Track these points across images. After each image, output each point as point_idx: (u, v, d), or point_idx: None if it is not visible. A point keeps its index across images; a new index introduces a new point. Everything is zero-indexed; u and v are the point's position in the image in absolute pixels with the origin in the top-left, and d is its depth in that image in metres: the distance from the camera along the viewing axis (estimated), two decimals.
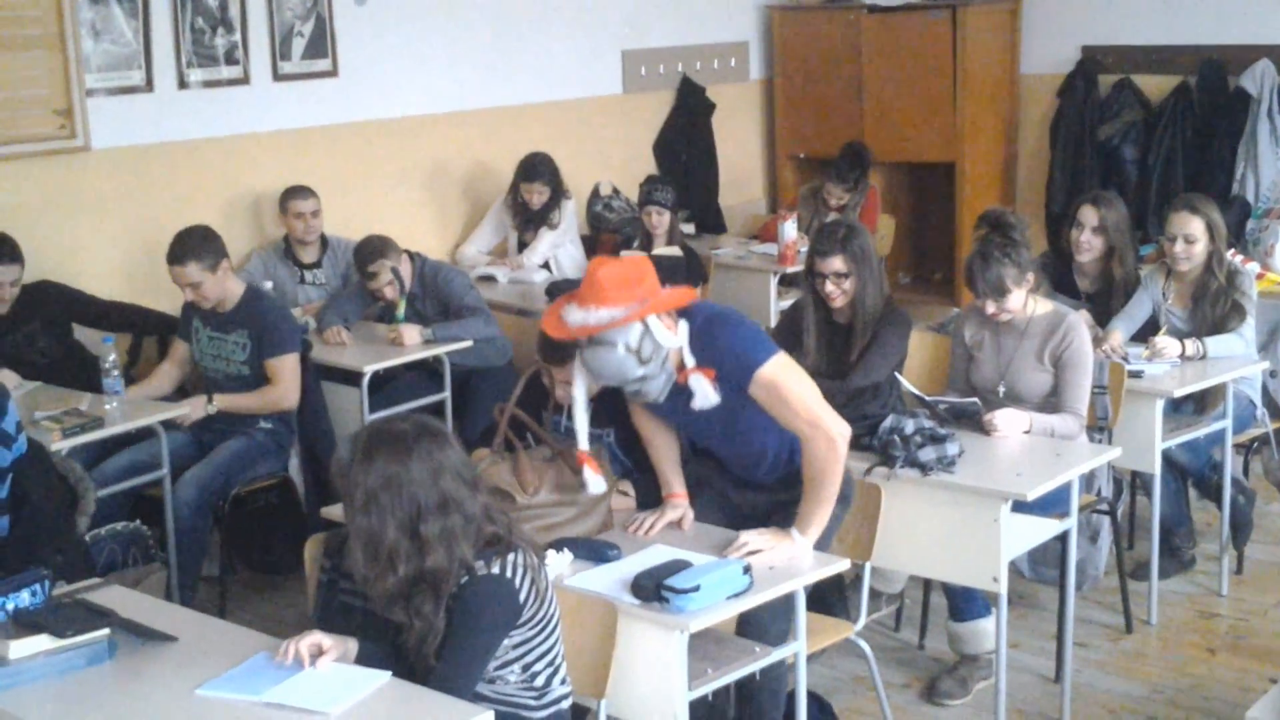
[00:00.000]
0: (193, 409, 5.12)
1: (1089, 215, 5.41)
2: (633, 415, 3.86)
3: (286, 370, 5.22)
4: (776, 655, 3.55)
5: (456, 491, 2.96)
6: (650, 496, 3.92)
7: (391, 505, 2.91)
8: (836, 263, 4.50)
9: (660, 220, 6.99)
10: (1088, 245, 5.43)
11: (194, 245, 5.11)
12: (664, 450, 3.84)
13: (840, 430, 3.56)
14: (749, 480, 3.83)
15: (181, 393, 5.41)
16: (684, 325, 3.51)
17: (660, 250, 6.94)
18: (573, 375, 4.03)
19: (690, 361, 3.50)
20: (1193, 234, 5.17)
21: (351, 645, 3.02)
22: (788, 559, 3.50)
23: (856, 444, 3.91)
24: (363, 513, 2.93)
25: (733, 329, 3.56)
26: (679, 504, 3.77)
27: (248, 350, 5.19)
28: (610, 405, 4.08)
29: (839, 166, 7.69)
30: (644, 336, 3.41)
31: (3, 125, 5.60)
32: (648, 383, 3.47)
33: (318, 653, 2.94)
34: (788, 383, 3.53)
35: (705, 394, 3.47)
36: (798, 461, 3.63)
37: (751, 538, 3.55)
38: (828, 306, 4.61)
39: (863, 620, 3.98)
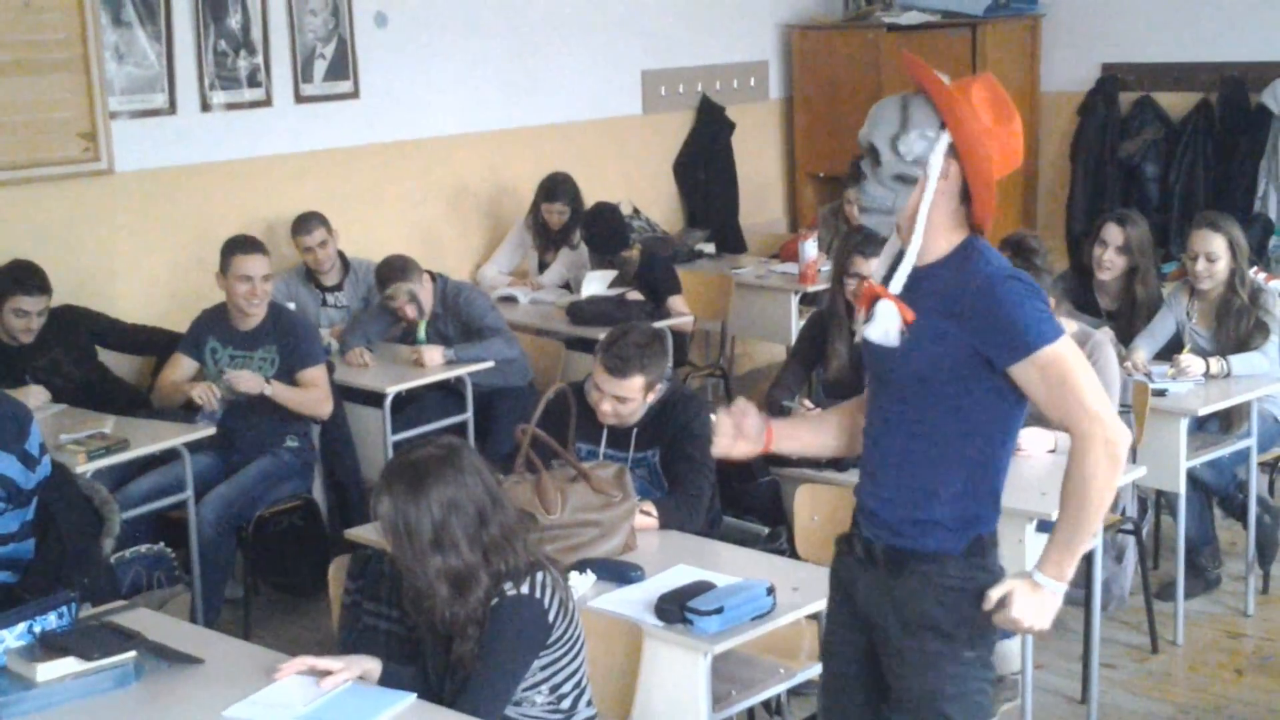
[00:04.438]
0: (249, 383, 5.12)
1: (1113, 234, 5.40)
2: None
3: (322, 379, 5.29)
4: (802, 676, 3.54)
5: (495, 488, 2.99)
6: (677, 518, 3.92)
7: (461, 525, 2.91)
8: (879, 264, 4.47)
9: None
10: (1110, 264, 5.42)
11: (263, 244, 5.30)
12: (824, 416, 3.12)
13: (1123, 435, 2.67)
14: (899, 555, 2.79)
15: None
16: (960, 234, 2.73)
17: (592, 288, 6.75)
18: (625, 392, 4.00)
19: (899, 279, 2.69)
20: (1214, 252, 5.16)
21: (374, 666, 3.02)
22: (1036, 620, 2.70)
23: None
24: (435, 549, 2.90)
25: (1024, 288, 2.67)
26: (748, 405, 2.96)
27: (275, 365, 5.22)
28: (657, 427, 4.07)
29: (859, 173, 7.64)
30: (922, 134, 2.67)
31: (27, 148, 5.64)
32: (873, 184, 2.72)
33: (317, 673, 2.95)
34: (1074, 362, 2.66)
35: (886, 328, 2.68)
36: (974, 530, 2.76)
37: (1005, 605, 2.70)
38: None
39: None
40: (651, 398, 4.07)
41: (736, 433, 2.92)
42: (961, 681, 2.78)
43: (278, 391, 5.18)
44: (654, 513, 3.91)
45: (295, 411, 5.25)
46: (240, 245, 5.25)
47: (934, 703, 2.78)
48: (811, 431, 3.08)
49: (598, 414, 4.06)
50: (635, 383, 4.00)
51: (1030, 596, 2.69)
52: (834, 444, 3.06)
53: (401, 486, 2.92)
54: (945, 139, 2.67)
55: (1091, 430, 2.64)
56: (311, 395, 5.27)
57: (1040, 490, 4.03)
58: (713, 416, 2.93)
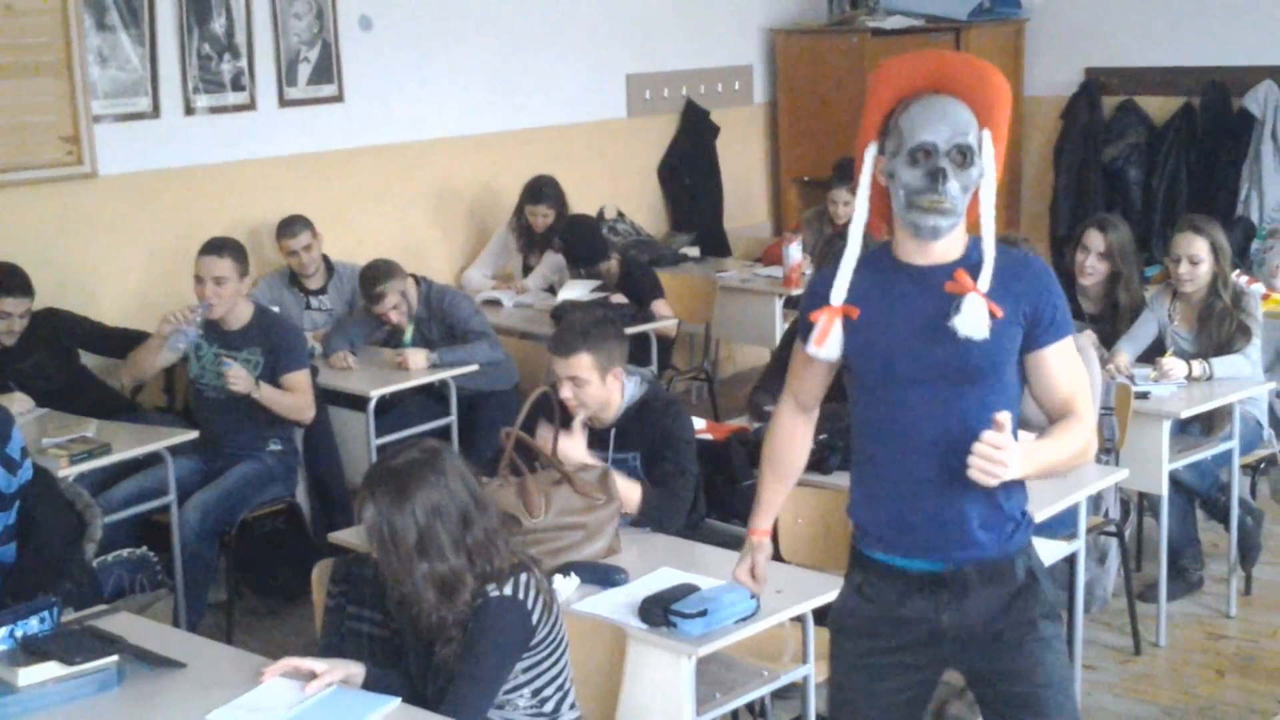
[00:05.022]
0: (241, 382, 5.07)
1: (1094, 240, 5.42)
2: (779, 414, 3.06)
3: (305, 384, 5.28)
4: (786, 679, 3.54)
5: (478, 490, 3.01)
6: (658, 509, 3.91)
7: (445, 529, 2.91)
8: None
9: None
10: (1092, 269, 5.44)
11: (234, 246, 5.24)
12: (780, 475, 3.09)
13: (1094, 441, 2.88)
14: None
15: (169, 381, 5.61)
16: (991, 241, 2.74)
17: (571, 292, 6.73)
18: (575, 371, 4.01)
19: (986, 275, 2.69)
20: (1197, 255, 5.18)
21: (357, 670, 3.02)
22: (997, 456, 2.57)
23: None
24: (420, 554, 2.91)
25: (1055, 280, 2.81)
26: (766, 543, 3.10)
27: (259, 368, 5.20)
28: (636, 429, 4.07)
29: (844, 171, 7.56)
30: (982, 135, 2.72)
31: (10, 152, 5.63)
32: (956, 186, 2.68)
33: (305, 676, 2.94)
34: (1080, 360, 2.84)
35: (976, 321, 2.66)
36: (1009, 509, 2.80)
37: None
38: None
39: None
40: (615, 385, 4.03)
41: (756, 577, 3.08)
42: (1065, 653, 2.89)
43: (265, 394, 5.17)
44: (637, 489, 3.89)
45: (278, 415, 5.24)
46: (202, 247, 5.22)
47: (1068, 686, 2.86)
48: (781, 494, 3.12)
49: (567, 406, 4.05)
50: (583, 360, 3.96)
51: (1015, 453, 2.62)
52: (793, 483, 3.15)
53: (385, 493, 2.92)
54: (988, 136, 2.74)
55: (1089, 419, 2.77)
56: (295, 399, 5.26)
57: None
58: (737, 580, 3.10)
